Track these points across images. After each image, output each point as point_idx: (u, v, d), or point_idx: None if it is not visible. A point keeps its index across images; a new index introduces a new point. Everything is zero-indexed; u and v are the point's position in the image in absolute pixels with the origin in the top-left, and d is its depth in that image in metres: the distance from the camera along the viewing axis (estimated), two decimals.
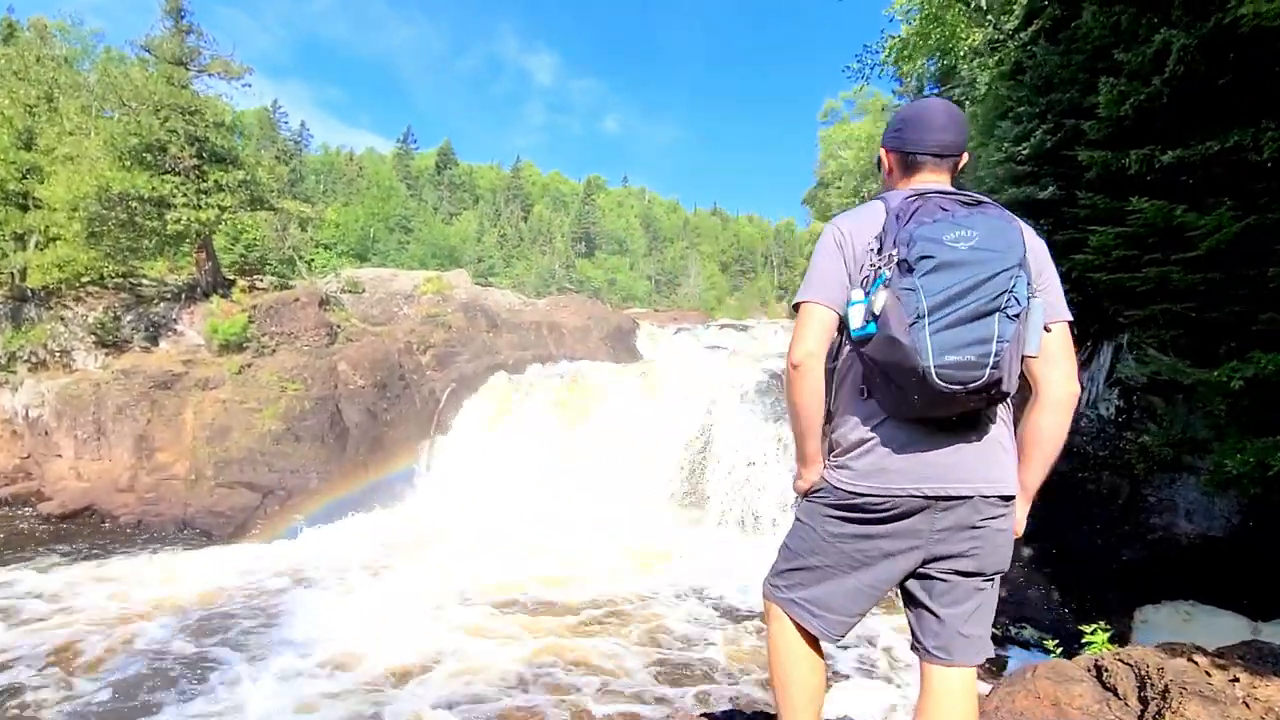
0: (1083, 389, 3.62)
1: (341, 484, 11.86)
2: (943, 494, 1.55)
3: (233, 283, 14.87)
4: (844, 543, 1.65)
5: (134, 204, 13.10)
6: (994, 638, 1.86)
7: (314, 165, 59.68)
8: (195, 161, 13.68)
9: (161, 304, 13.72)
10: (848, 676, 6.44)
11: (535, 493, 12.07)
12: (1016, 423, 1.69)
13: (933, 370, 1.38)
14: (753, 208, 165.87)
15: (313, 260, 38.85)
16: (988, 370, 1.38)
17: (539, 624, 7.56)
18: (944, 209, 1.49)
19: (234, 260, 18.12)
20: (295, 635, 7.18)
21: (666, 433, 12.24)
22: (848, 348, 1.65)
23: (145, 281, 14.84)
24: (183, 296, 13.94)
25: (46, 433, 12.25)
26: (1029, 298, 1.46)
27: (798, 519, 1.77)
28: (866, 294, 1.53)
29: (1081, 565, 6.71)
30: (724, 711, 2.92)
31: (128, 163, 13.29)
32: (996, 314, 1.39)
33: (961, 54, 10.74)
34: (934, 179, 1.70)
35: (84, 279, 13.64)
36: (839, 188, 30.08)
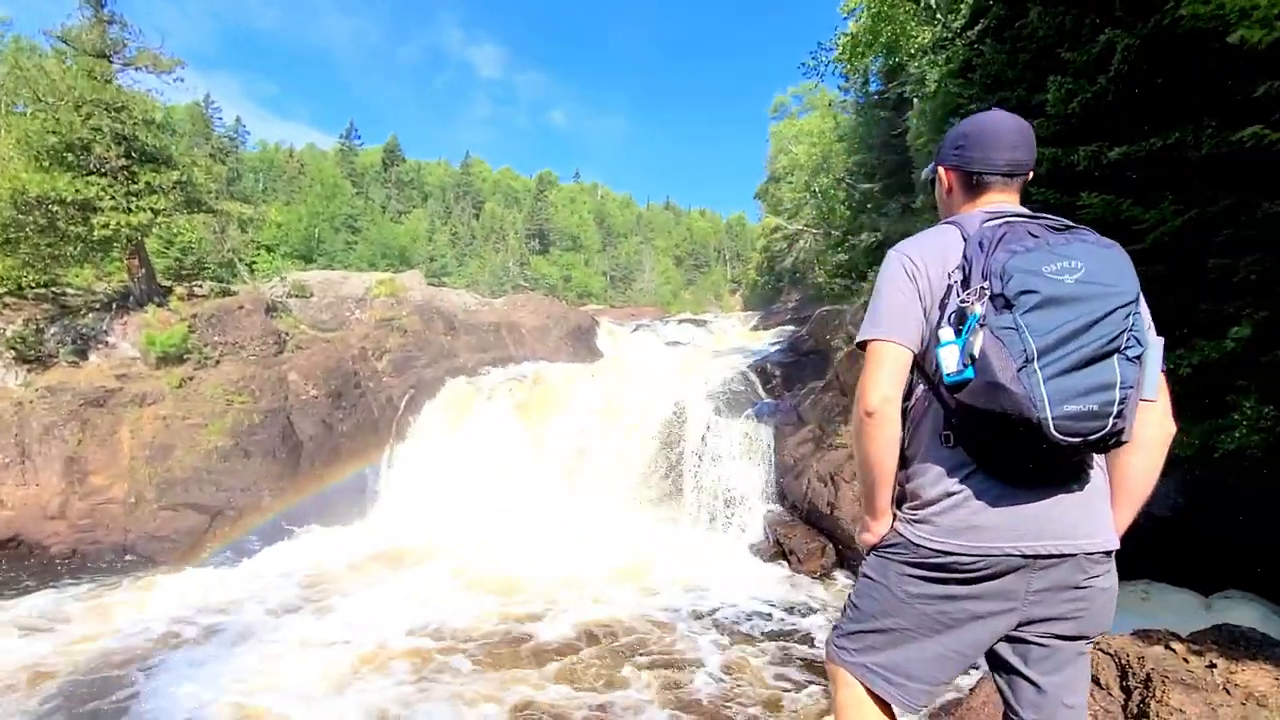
0: None
1: (296, 501, 11.34)
2: (1042, 552, 1.39)
3: (169, 290, 14.01)
4: (925, 604, 1.48)
5: (54, 208, 12.14)
6: None
7: (252, 163, 57.05)
8: (124, 161, 12.79)
9: (90, 314, 12.80)
10: None
11: (499, 498, 11.84)
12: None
13: (1049, 422, 1.23)
14: (705, 202, 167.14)
15: (254, 263, 37.21)
16: (1110, 420, 1.25)
17: (510, 673, 6.46)
18: (1034, 235, 1.35)
19: (169, 265, 17.07)
20: (214, 695, 6.07)
21: (634, 431, 12.18)
22: (921, 386, 1.50)
23: (70, 291, 13.80)
24: (114, 306, 13.04)
25: None
26: (1145, 335, 1.32)
27: (866, 575, 1.60)
28: (959, 334, 1.36)
29: None
30: None
31: (46, 163, 12.31)
32: (1115, 356, 1.26)
33: (910, 52, 10.95)
34: (1003, 199, 1.54)
35: None
36: (790, 182, 30.52)
